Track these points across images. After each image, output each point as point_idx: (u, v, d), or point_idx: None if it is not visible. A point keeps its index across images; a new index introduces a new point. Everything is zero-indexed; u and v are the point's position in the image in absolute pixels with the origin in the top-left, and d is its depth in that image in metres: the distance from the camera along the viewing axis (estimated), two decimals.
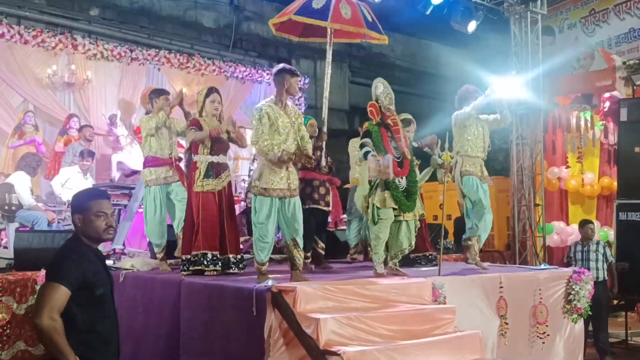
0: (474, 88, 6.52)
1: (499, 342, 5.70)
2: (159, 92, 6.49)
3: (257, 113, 5.09)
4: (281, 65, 5.36)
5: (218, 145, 5.74)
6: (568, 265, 7.61)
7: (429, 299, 5.07)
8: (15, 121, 9.78)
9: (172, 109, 6.30)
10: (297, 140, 5.20)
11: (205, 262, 5.47)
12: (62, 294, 2.97)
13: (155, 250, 6.27)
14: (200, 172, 5.63)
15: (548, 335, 6.08)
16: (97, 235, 3.23)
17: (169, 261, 6.23)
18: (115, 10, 12.03)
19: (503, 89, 6.52)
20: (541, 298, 6.13)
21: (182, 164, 6.39)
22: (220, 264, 5.54)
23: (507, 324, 5.77)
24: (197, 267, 5.47)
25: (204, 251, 5.50)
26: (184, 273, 5.49)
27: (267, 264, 5.17)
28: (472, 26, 10.31)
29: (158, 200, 6.16)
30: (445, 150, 6.12)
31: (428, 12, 10.02)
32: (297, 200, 5.21)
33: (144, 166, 6.27)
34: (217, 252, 5.53)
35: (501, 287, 5.81)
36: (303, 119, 5.48)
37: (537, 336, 6.06)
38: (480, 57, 12.78)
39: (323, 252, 6.81)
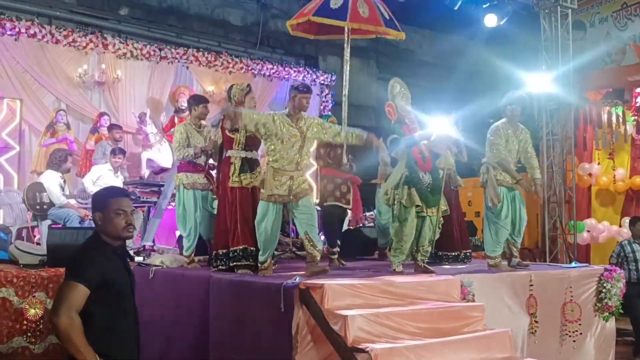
0: (508, 101, 6.38)
1: (529, 341, 5.65)
2: (198, 100, 6.58)
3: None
4: (297, 82, 5.52)
5: (251, 140, 5.77)
6: (619, 266, 7.32)
7: (458, 297, 5.04)
8: (48, 120, 9.94)
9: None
10: (306, 153, 5.40)
11: (245, 257, 5.49)
12: (80, 292, 2.98)
13: (185, 245, 6.33)
14: (235, 168, 5.64)
15: (580, 333, 6.01)
16: (116, 233, 3.23)
17: (197, 258, 6.30)
18: (145, 9, 12.18)
19: (534, 84, 6.43)
20: (572, 296, 6.06)
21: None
22: (252, 260, 5.55)
23: (537, 322, 5.72)
24: (237, 263, 5.48)
25: (244, 246, 5.51)
26: (219, 269, 5.54)
27: (269, 261, 5.38)
28: (491, 20, 10.19)
29: (196, 201, 6.25)
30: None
31: (456, 8, 9.94)
32: (305, 199, 5.31)
33: (179, 170, 6.36)
34: (254, 248, 5.53)
35: (531, 285, 5.76)
36: (321, 120, 5.67)
37: (568, 334, 5.99)
38: (509, 52, 12.65)
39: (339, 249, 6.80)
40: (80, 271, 3.03)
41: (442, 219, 5.92)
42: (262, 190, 5.36)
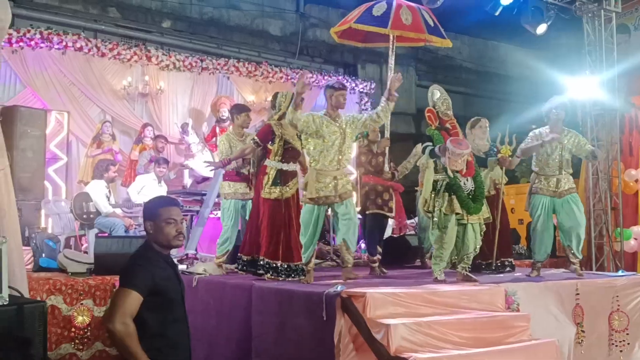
0: (552, 106, 6.37)
1: (575, 351, 5.55)
2: (240, 109, 6.69)
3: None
4: (331, 81, 5.62)
5: (289, 152, 5.82)
6: None
7: (502, 306, 4.98)
8: (94, 131, 10.18)
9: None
10: (346, 150, 5.49)
11: (265, 269, 5.58)
12: (134, 299, 3.05)
13: (219, 253, 6.45)
14: (269, 178, 5.71)
15: (627, 343, 5.87)
16: (167, 241, 3.30)
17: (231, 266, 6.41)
18: (186, 21, 12.39)
19: (577, 89, 6.40)
20: (619, 305, 5.93)
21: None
22: (282, 272, 5.59)
23: (583, 331, 5.61)
24: (256, 271, 5.64)
25: (265, 258, 5.60)
26: (241, 272, 5.71)
27: (312, 262, 5.52)
28: (542, 29, 10.05)
29: (235, 212, 6.41)
30: (505, 144, 6.10)
31: (497, 14, 9.84)
32: (349, 204, 5.36)
33: (224, 178, 6.49)
34: (279, 261, 5.57)
35: (577, 294, 5.66)
36: (353, 114, 5.80)
37: (615, 344, 5.86)
38: (551, 56, 12.48)
39: (380, 258, 6.78)
40: (133, 278, 3.11)
41: (484, 226, 5.86)
42: (304, 193, 5.41)
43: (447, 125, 5.80)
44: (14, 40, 9.55)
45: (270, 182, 5.70)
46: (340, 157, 5.44)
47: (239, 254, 5.92)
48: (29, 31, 9.78)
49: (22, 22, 10.04)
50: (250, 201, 6.38)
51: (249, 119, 6.65)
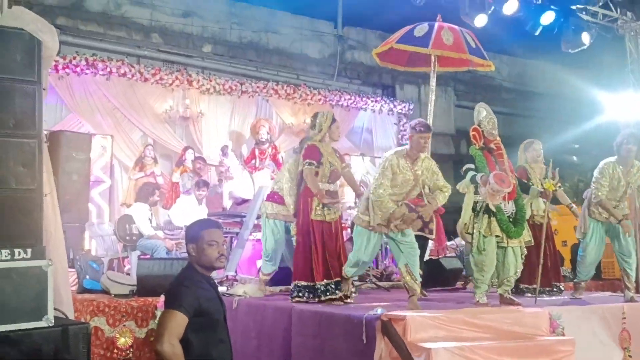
0: (623, 139, 6.25)
1: None
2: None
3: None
4: (415, 121, 5.57)
5: (334, 173, 5.83)
6: None
7: (546, 330, 4.87)
8: (136, 154, 10.38)
9: None
10: (414, 191, 5.39)
11: (330, 291, 5.54)
12: (180, 320, 3.11)
13: (263, 275, 6.45)
14: (318, 200, 5.64)
15: None
16: (209, 263, 3.36)
17: (279, 288, 6.39)
18: (226, 45, 12.61)
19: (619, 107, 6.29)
20: None
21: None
22: (338, 292, 5.58)
23: (630, 357, 5.45)
24: (319, 297, 5.52)
25: (327, 281, 5.56)
26: (298, 300, 5.58)
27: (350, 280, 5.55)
28: (586, 39, 9.89)
29: (276, 233, 6.36)
30: (548, 179, 5.98)
31: (537, 33, 9.77)
32: (408, 230, 5.29)
33: (267, 199, 6.51)
34: (338, 279, 5.58)
35: (624, 318, 5.50)
36: (436, 168, 5.57)
37: None
38: (593, 74, 12.28)
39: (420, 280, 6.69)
40: (178, 300, 3.17)
41: (525, 250, 5.74)
42: (360, 215, 5.37)
43: (492, 145, 5.68)
44: (60, 66, 9.87)
45: (320, 204, 5.65)
46: (406, 195, 5.38)
47: (298, 282, 5.72)
48: (74, 58, 10.09)
49: (68, 49, 10.37)
50: (292, 224, 6.39)
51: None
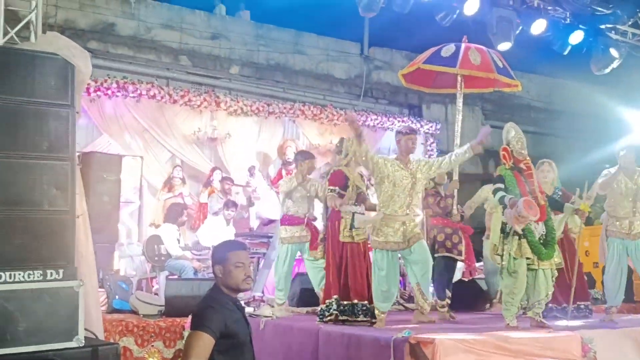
0: (620, 147, 6.43)
1: None
2: (305, 156, 6.80)
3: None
4: (400, 126, 5.72)
5: (361, 197, 5.94)
6: None
7: (578, 354, 4.77)
8: (164, 176, 10.49)
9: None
10: (416, 194, 5.54)
11: (356, 313, 5.55)
12: (207, 341, 3.12)
13: (278, 299, 6.48)
14: (346, 223, 5.75)
15: None
16: (235, 285, 3.38)
17: (306, 309, 6.40)
18: (253, 67, 12.74)
19: None
20: None
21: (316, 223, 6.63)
22: (369, 313, 5.58)
23: None
24: (347, 318, 5.54)
25: (355, 301, 5.58)
26: (326, 321, 5.57)
27: (386, 313, 5.45)
28: (615, 58, 9.80)
29: (289, 258, 6.51)
30: (583, 199, 5.88)
31: (566, 53, 9.70)
32: (420, 247, 5.35)
33: (281, 223, 6.57)
34: (367, 302, 5.60)
35: None
36: (425, 159, 5.95)
37: None
38: (623, 93, 12.13)
39: (449, 302, 6.62)
40: (206, 321, 3.18)
41: (555, 271, 5.65)
42: (372, 237, 5.43)
43: (522, 165, 5.63)
44: (92, 89, 10.04)
45: (348, 226, 5.74)
46: (409, 201, 5.46)
47: (323, 303, 5.76)
48: (105, 81, 10.25)
49: (100, 72, 10.54)
50: (307, 243, 6.45)
51: (313, 168, 6.74)
